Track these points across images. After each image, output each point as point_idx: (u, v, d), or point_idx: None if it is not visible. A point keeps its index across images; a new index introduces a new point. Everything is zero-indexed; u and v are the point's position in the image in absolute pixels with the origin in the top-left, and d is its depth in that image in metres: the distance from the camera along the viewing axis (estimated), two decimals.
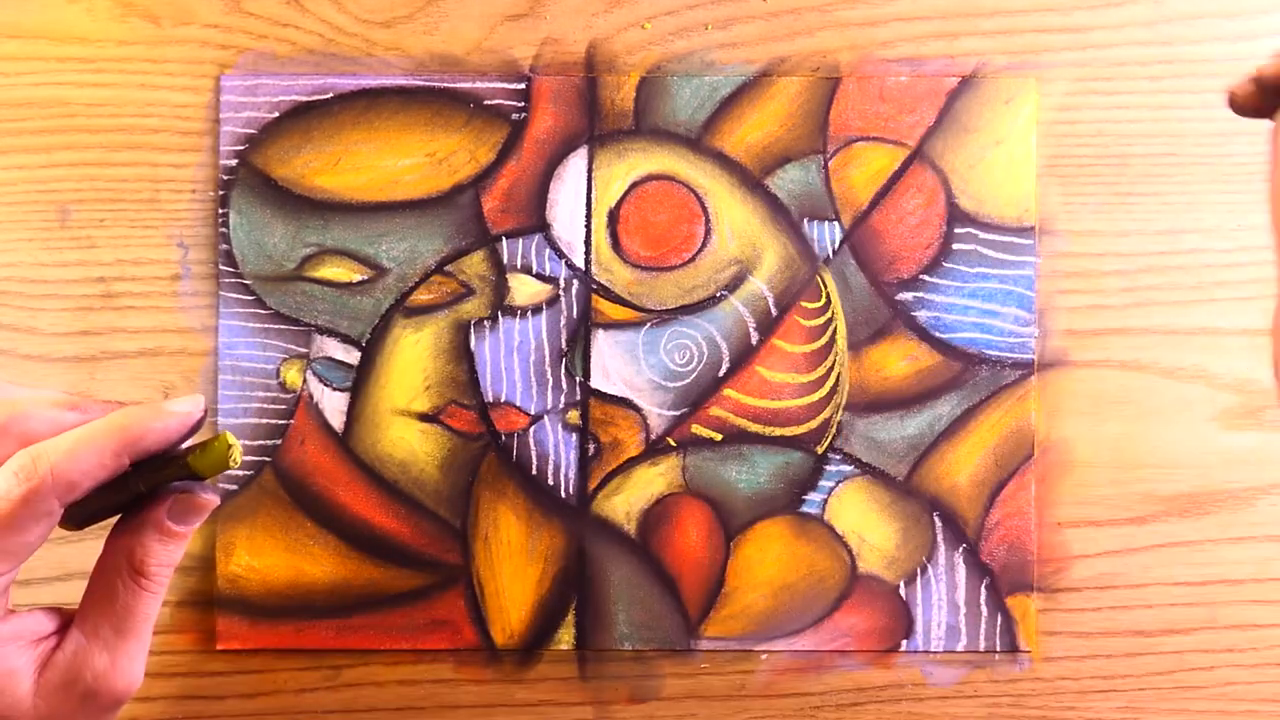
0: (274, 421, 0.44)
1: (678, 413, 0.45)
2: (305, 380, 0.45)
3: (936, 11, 0.45)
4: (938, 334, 0.45)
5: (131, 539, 0.31)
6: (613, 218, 0.45)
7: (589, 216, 0.45)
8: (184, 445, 0.31)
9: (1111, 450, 0.45)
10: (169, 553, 0.31)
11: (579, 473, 0.45)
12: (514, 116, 0.45)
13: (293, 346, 0.45)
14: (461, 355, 0.45)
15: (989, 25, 0.45)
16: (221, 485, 0.44)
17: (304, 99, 0.44)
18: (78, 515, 0.31)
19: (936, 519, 0.45)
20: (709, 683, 0.45)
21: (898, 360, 0.45)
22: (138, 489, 0.31)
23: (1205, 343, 0.45)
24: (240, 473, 0.44)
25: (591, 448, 0.45)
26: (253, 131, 0.44)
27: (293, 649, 0.44)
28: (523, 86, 0.45)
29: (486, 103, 0.45)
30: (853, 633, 0.45)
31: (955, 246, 0.45)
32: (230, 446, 0.31)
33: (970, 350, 0.45)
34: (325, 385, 0.45)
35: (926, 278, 0.45)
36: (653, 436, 0.45)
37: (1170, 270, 0.45)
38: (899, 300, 0.45)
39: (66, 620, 0.32)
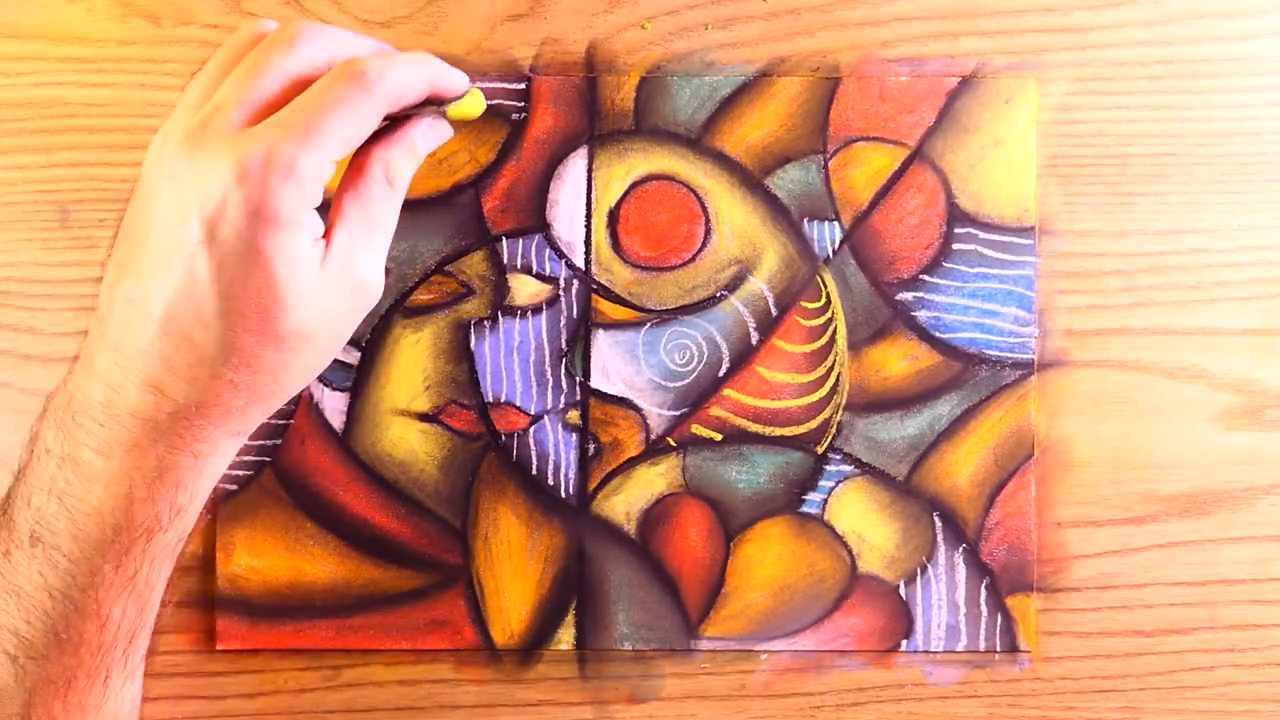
0: (274, 421, 0.44)
1: (678, 413, 0.45)
2: None
3: (936, 11, 0.45)
4: (938, 334, 0.45)
5: (385, 152, 0.35)
6: (613, 218, 0.45)
7: (589, 216, 0.45)
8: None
9: (1111, 450, 0.45)
10: (411, 166, 0.35)
11: (579, 473, 0.45)
12: (514, 116, 0.45)
13: None
14: (461, 355, 0.45)
15: (989, 25, 0.45)
16: (221, 485, 0.44)
17: None
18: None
19: (936, 519, 0.45)
20: (709, 683, 0.45)
21: (898, 360, 0.45)
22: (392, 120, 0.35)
23: (1205, 343, 0.45)
24: (240, 473, 0.44)
25: (591, 448, 0.45)
26: None
27: (293, 649, 0.44)
28: (523, 86, 0.45)
29: (487, 103, 0.45)
30: (853, 633, 0.45)
31: (955, 246, 0.45)
32: (480, 94, 0.38)
33: (970, 350, 0.45)
34: (325, 385, 0.45)
35: (926, 278, 0.45)
36: (653, 436, 0.45)
37: (1170, 270, 0.45)
38: (899, 300, 0.45)
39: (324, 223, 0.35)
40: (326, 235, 0.34)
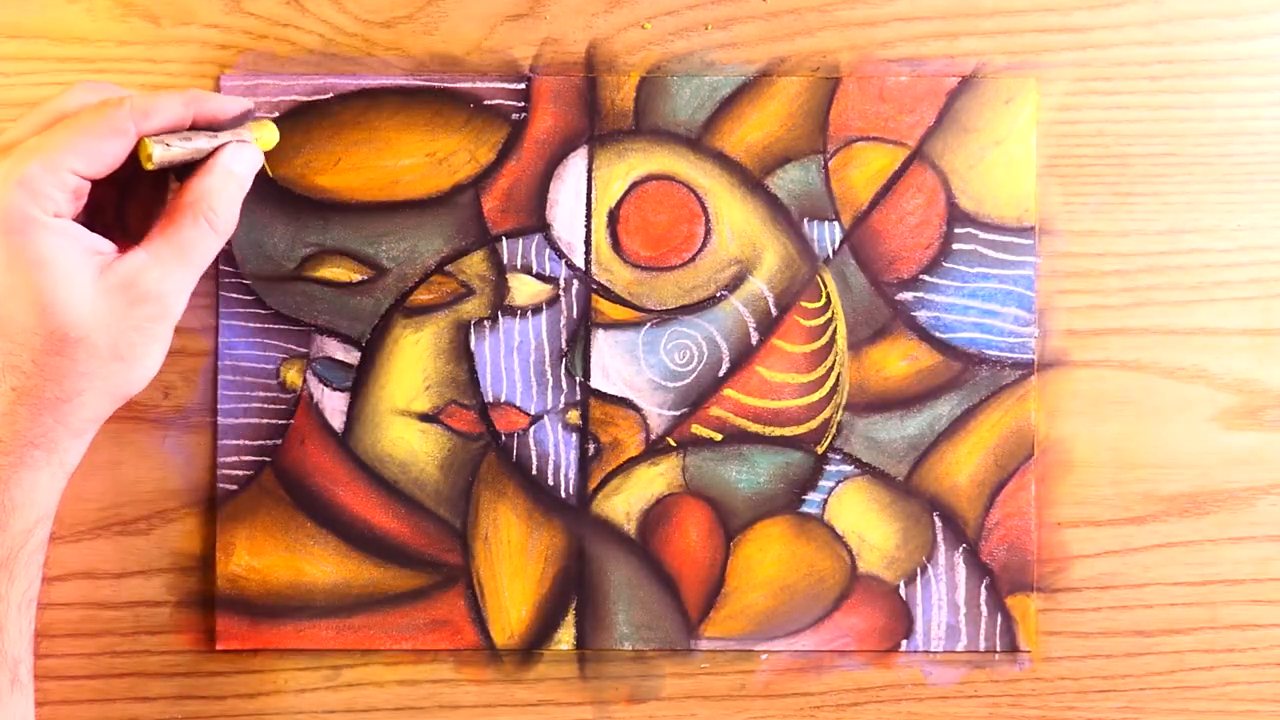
0: (274, 421, 0.44)
1: (678, 413, 0.45)
2: (305, 380, 0.45)
3: (936, 11, 0.45)
4: (938, 334, 0.45)
5: (199, 180, 0.38)
6: (613, 218, 0.45)
7: (589, 216, 0.45)
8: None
9: (1111, 450, 0.45)
10: (227, 190, 0.38)
11: (579, 473, 0.45)
12: (514, 116, 0.45)
13: (293, 346, 0.45)
14: (461, 355, 0.45)
15: (989, 25, 0.45)
16: (221, 485, 0.44)
17: (304, 99, 0.44)
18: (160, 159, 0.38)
19: (936, 519, 0.45)
20: (709, 683, 0.45)
21: (898, 360, 0.45)
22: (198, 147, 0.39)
23: (1205, 343, 0.45)
24: (240, 473, 0.44)
25: (591, 448, 0.45)
26: None
27: (293, 649, 0.45)
28: (523, 86, 0.45)
29: (486, 103, 0.45)
30: (853, 633, 0.45)
31: (955, 246, 0.45)
32: (274, 125, 0.42)
33: (970, 350, 0.45)
34: (325, 385, 0.45)
35: (926, 278, 0.45)
36: (653, 436, 0.45)
37: (1170, 270, 0.45)
38: (899, 300, 0.45)
39: (123, 249, 0.37)
40: (123, 251, 0.37)
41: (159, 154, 0.37)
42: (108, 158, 0.36)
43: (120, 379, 0.37)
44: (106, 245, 0.37)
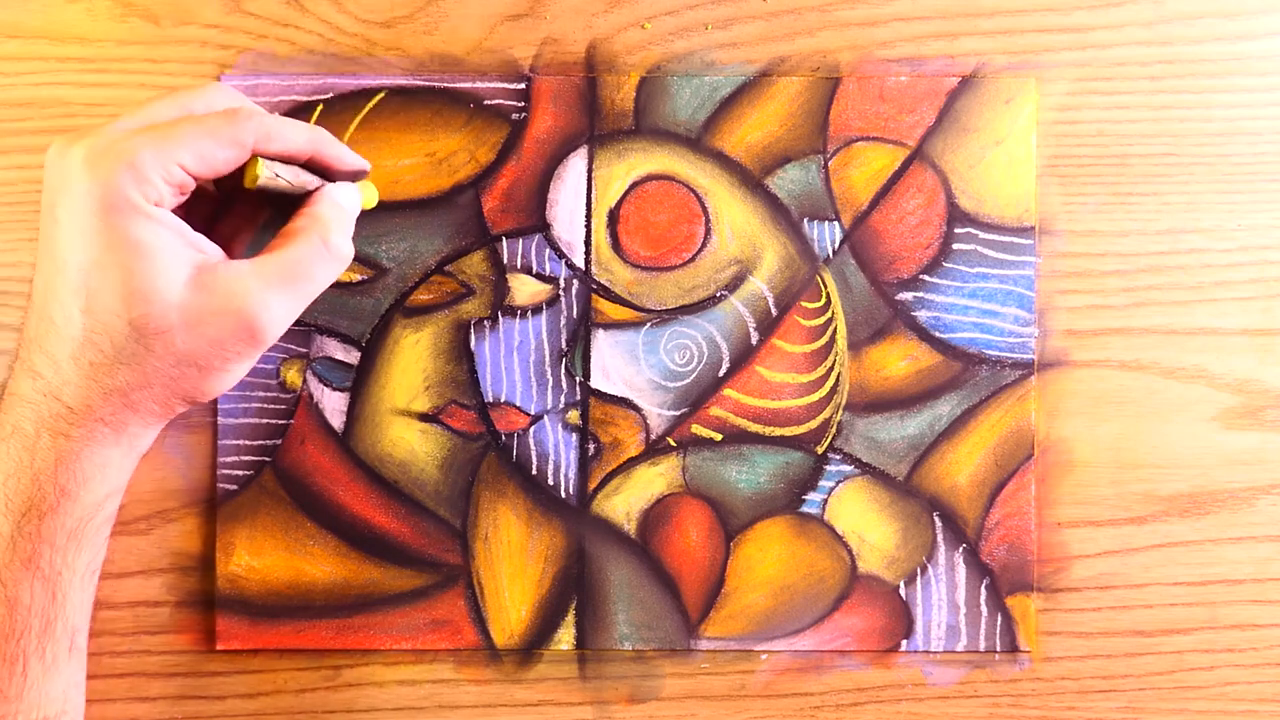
0: (274, 421, 0.44)
1: (678, 413, 0.45)
2: (305, 380, 0.45)
3: (936, 11, 0.45)
4: (938, 334, 0.45)
5: (314, 208, 0.38)
6: (613, 218, 0.45)
7: (589, 216, 0.45)
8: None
9: (1111, 450, 0.45)
10: (344, 225, 0.39)
11: (579, 473, 0.45)
12: (514, 116, 0.45)
13: (293, 346, 0.45)
14: (461, 355, 0.45)
15: (989, 25, 0.45)
16: (221, 485, 0.44)
17: (304, 99, 0.44)
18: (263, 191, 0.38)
19: (936, 519, 0.45)
20: (709, 683, 0.45)
21: (898, 360, 0.45)
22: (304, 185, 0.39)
23: (1205, 343, 0.45)
24: (240, 473, 0.44)
25: (591, 448, 0.45)
26: None
27: (293, 649, 0.45)
28: (523, 86, 0.45)
29: (486, 103, 0.45)
30: (853, 633, 0.45)
31: (955, 246, 0.45)
32: (375, 189, 0.43)
33: (970, 350, 0.45)
34: (325, 385, 0.45)
35: (926, 278, 0.45)
36: (653, 436, 0.45)
37: (1170, 270, 0.45)
38: (899, 300, 0.45)
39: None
40: (232, 256, 0.37)
41: (265, 175, 0.37)
42: (219, 164, 0.36)
43: (190, 384, 0.36)
44: (211, 247, 0.37)
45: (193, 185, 0.36)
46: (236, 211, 0.40)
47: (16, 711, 0.35)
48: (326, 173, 0.40)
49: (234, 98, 0.38)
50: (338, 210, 0.39)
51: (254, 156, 0.36)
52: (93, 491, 0.36)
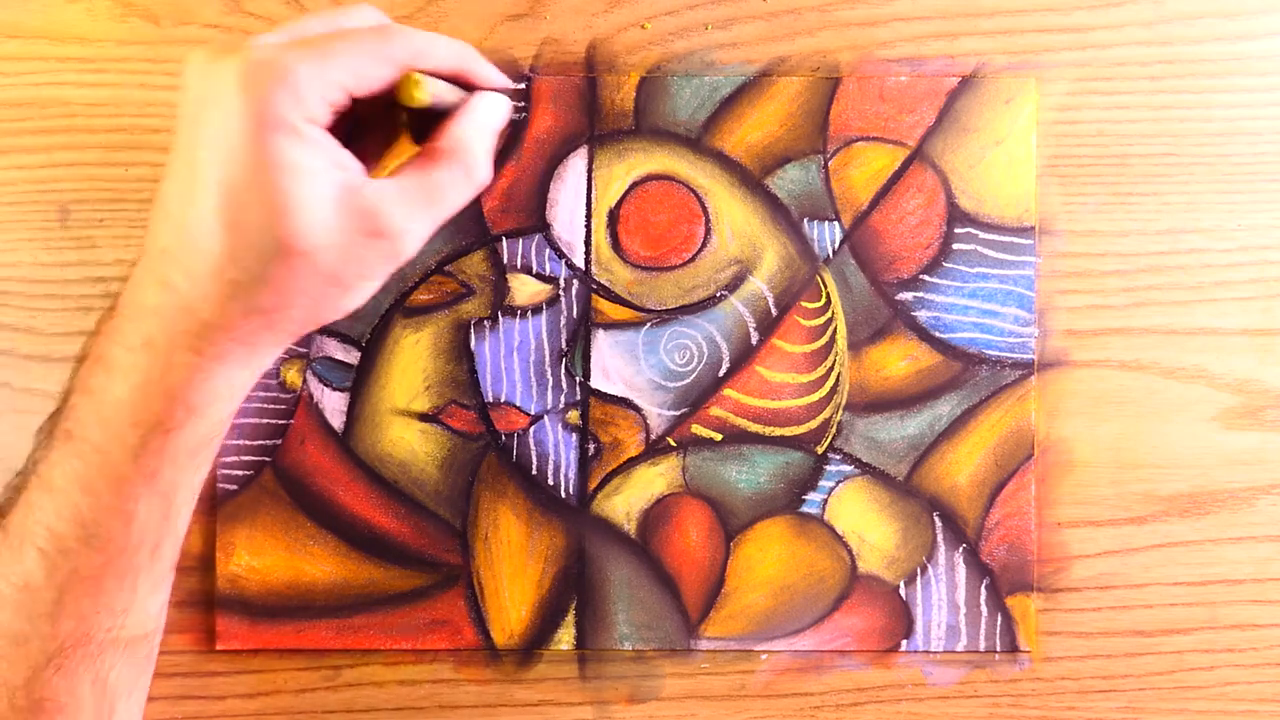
0: (274, 421, 0.44)
1: (678, 413, 0.45)
2: (305, 380, 0.45)
3: (936, 11, 0.45)
4: (938, 334, 0.45)
5: (456, 127, 0.36)
6: (613, 218, 0.45)
7: (589, 216, 0.45)
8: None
9: (1111, 450, 0.45)
10: (485, 144, 0.37)
11: (579, 473, 0.45)
12: (514, 116, 0.45)
13: (293, 346, 0.45)
14: (461, 355, 0.45)
15: (989, 25, 0.45)
16: (221, 485, 0.44)
17: None
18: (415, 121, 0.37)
19: (936, 519, 0.45)
20: (709, 683, 0.45)
21: (898, 360, 0.45)
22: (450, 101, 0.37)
23: (1205, 343, 0.45)
24: (240, 473, 0.44)
25: (591, 448, 0.45)
26: None
27: (293, 649, 0.45)
28: (523, 86, 0.45)
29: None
30: (853, 633, 0.45)
31: (955, 246, 0.45)
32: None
33: (970, 350, 0.45)
34: (325, 385, 0.45)
35: (926, 278, 0.45)
36: (653, 436, 0.45)
37: (1170, 270, 0.45)
38: (899, 300, 0.45)
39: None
40: (374, 174, 0.35)
41: (428, 93, 0.35)
42: (374, 82, 0.34)
43: (329, 304, 0.36)
44: (355, 164, 0.35)
45: (347, 103, 0.35)
46: (374, 126, 0.39)
47: (123, 625, 0.36)
48: (471, 89, 0.38)
49: (381, 16, 0.37)
50: (480, 131, 0.37)
51: (410, 73, 0.35)
52: (219, 410, 0.36)
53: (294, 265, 0.34)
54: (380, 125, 0.39)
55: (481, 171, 0.37)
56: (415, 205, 0.35)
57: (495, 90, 0.38)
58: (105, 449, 0.34)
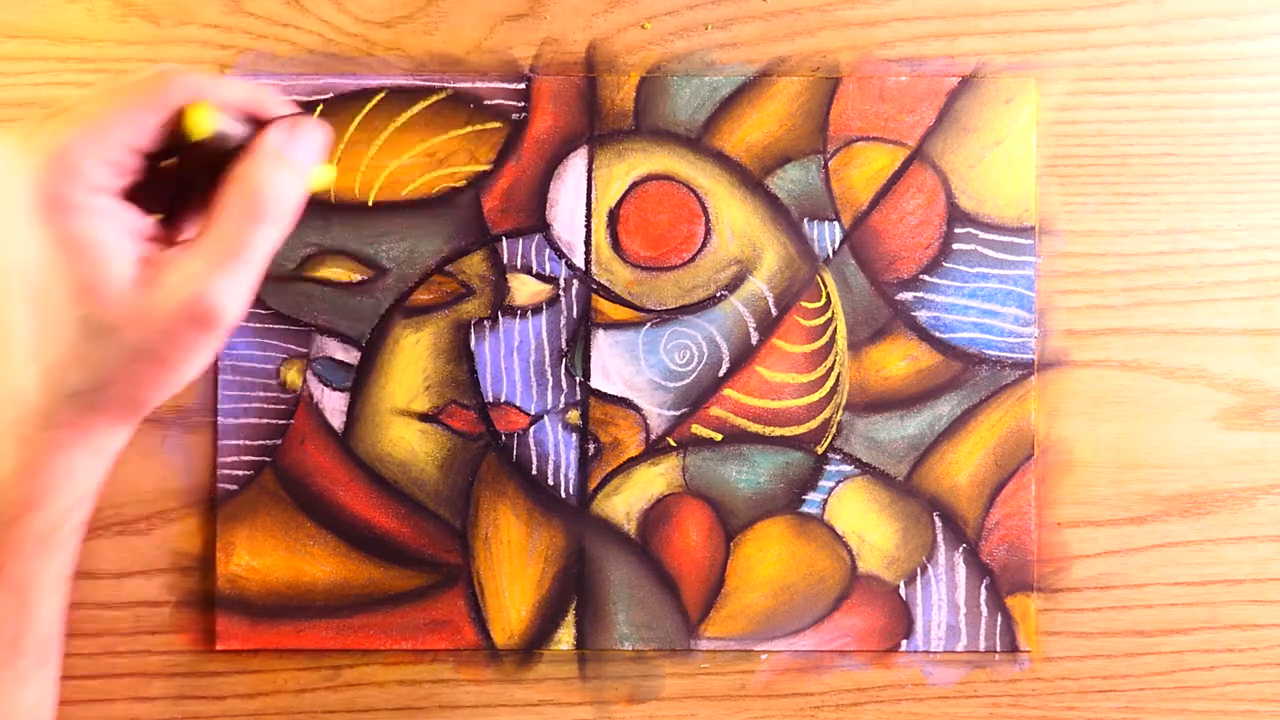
0: (274, 421, 0.44)
1: (678, 413, 0.45)
2: (305, 380, 0.45)
3: (936, 11, 0.45)
4: (938, 334, 0.45)
5: (245, 166, 0.34)
6: (613, 218, 0.45)
7: (589, 216, 0.45)
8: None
9: (1111, 450, 0.45)
10: (279, 177, 0.34)
11: (579, 473, 0.45)
12: (514, 116, 0.45)
13: (293, 346, 0.45)
14: (461, 355, 0.45)
15: (989, 25, 0.45)
16: (221, 485, 0.44)
17: (304, 99, 0.44)
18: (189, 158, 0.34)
19: (936, 519, 0.45)
20: (709, 683, 0.45)
21: (898, 360, 0.45)
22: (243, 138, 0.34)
23: (1205, 343, 0.45)
24: (240, 473, 0.44)
25: (591, 448, 0.45)
26: None
27: (293, 649, 0.45)
28: (523, 86, 0.45)
29: (486, 103, 0.45)
30: (853, 633, 0.45)
31: (955, 246, 0.45)
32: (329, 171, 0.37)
33: (970, 350, 0.45)
34: (325, 385, 0.45)
35: (926, 278, 0.45)
36: (653, 436, 0.45)
37: (1170, 270, 0.45)
38: (899, 300, 0.45)
39: (171, 242, 0.34)
40: (173, 244, 0.34)
41: (212, 123, 0.33)
42: (153, 130, 0.33)
43: (153, 382, 0.34)
44: (155, 230, 0.34)
45: (132, 161, 0.33)
46: (180, 182, 0.37)
47: None
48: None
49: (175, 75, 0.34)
50: (271, 166, 0.34)
51: (191, 104, 0.33)
52: (60, 499, 0.34)
53: (102, 343, 0.33)
54: (195, 176, 0.36)
55: (275, 209, 0.34)
56: (216, 264, 0.33)
57: (292, 117, 0.35)
58: None
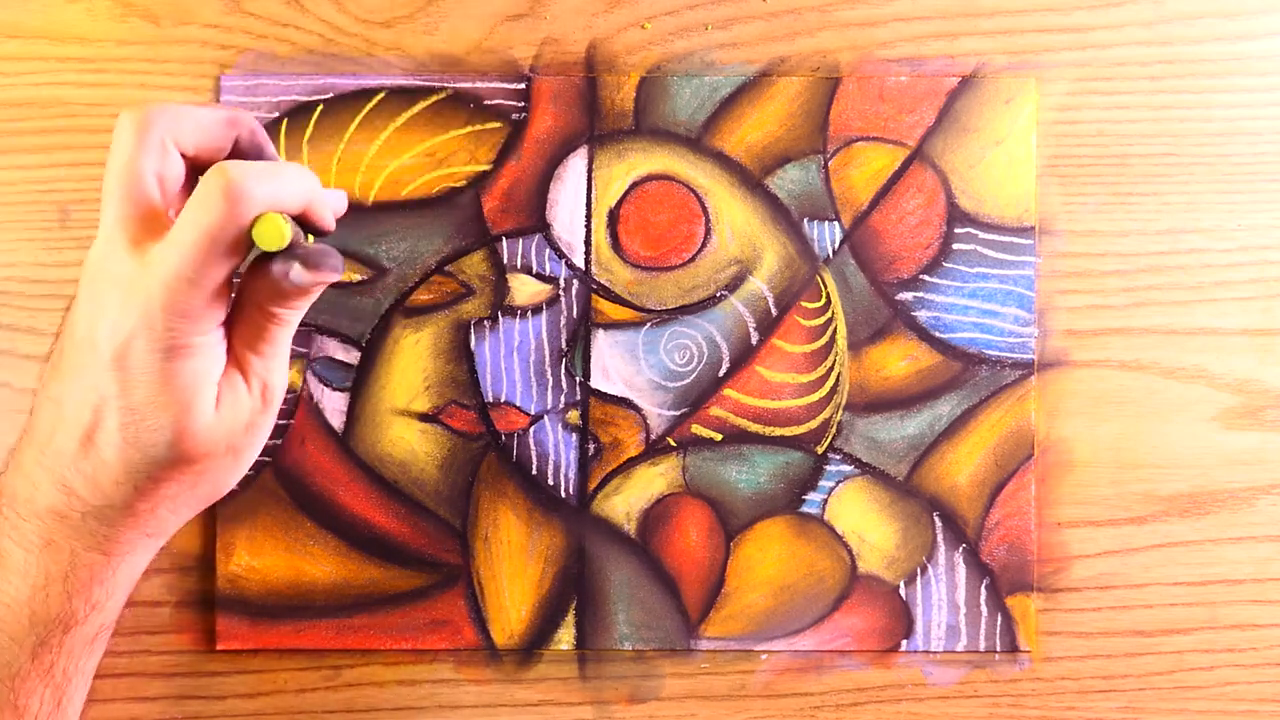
0: (274, 421, 0.44)
1: (678, 413, 0.45)
2: (305, 380, 0.45)
3: (936, 11, 0.45)
4: (938, 334, 0.45)
5: (260, 281, 0.35)
6: (613, 218, 0.45)
7: (589, 216, 0.45)
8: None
9: (1111, 450, 0.45)
10: (291, 305, 0.35)
11: (579, 473, 0.45)
12: (514, 116, 0.45)
13: (293, 346, 0.45)
14: (461, 355, 0.45)
15: (989, 25, 0.45)
16: None
17: (304, 99, 0.44)
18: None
19: (936, 519, 0.45)
20: (709, 683, 0.45)
21: (898, 360, 0.45)
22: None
23: (1205, 343, 0.45)
24: None
25: (591, 448, 0.45)
26: None
27: (293, 649, 0.45)
28: (523, 86, 0.45)
29: (486, 103, 0.45)
30: (853, 633, 0.45)
31: (955, 246, 0.45)
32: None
33: (970, 350, 0.45)
34: (325, 385, 0.45)
35: (926, 278, 0.45)
36: (653, 436, 0.45)
37: (1170, 270, 0.45)
38: (899, 300, 0.45)
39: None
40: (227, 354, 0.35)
41: (284, 233, 0.33)
42: (238, 255, 0.33)
43: (230, 475, 0.37)
44: (220, 348, 0.35)
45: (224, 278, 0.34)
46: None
47: None
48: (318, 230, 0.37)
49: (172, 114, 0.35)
50: (276, 290, 0.35)
51: (268, 215, 0.33)
52: (120, 599, 0.36)
53: (203, 467, 0.35)
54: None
55: (289, 318, 0.36)
56: (272, 361, 0.36)
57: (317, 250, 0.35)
58: (1, 648, 0.34)
